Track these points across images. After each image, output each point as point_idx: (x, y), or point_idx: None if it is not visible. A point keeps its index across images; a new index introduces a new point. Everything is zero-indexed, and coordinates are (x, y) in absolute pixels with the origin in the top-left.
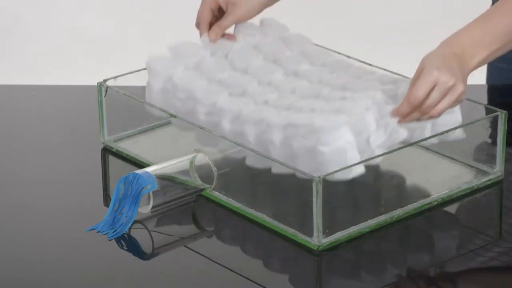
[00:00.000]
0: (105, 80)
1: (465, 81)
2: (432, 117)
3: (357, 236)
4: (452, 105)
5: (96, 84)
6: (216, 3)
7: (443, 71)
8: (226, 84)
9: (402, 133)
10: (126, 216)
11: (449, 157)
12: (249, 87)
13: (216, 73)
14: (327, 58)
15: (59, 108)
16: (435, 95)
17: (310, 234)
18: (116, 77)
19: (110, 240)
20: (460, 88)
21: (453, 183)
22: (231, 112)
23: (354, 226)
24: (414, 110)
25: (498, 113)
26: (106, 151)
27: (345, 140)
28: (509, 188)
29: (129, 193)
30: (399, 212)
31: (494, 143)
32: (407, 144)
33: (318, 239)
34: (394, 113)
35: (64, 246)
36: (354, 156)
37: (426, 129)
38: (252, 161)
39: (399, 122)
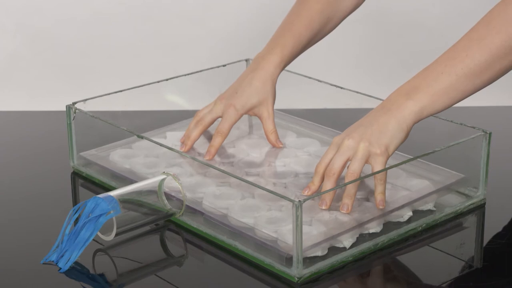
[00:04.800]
0: (74, 103)
1: (388, 134)
2: (354, 182)
3: (340, 266)
4: (361, 162)
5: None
6: (241, 115)
7: (343, 135)
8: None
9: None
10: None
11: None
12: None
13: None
14: None
15: (28, 134)
16: (335, 157)
17: (289, 264)
18: (85, 100)
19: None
20: (362, 146)
21: (436, 207)
22: None
23: (337, 255)
24: (323, 179)
25: (482, 133)
26: (76, 176)
27: None
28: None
29: (88, 219)
30: (383, 239)
31: (476, 165)
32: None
33: (298, 270)
34: (306, 190)
35: (26, 274)
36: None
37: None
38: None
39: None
